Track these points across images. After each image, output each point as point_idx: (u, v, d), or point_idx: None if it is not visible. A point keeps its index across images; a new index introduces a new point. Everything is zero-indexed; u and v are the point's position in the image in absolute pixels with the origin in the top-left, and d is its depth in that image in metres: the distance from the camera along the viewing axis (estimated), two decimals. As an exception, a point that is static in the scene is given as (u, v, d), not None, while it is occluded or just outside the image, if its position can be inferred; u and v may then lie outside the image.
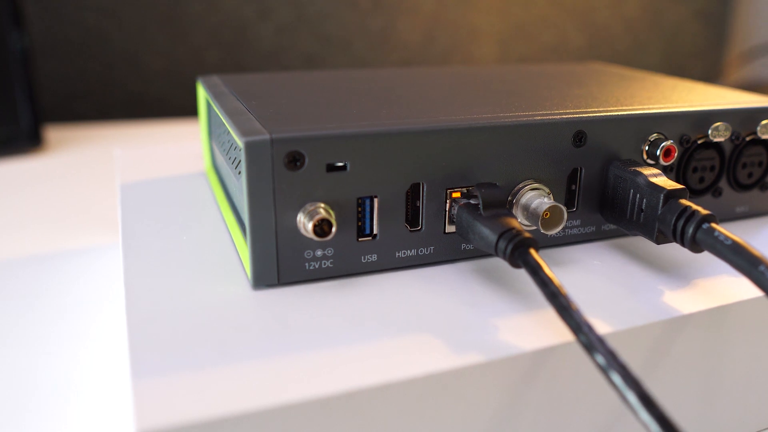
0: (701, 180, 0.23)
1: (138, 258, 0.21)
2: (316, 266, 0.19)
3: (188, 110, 0.65)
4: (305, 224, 0.18)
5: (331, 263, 0.19)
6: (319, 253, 0.19)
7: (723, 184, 0.24)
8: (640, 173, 0.20)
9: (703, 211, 0.18)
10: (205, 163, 0.29)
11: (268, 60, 0.66)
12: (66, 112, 0.62)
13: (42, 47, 0.60)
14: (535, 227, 0.20)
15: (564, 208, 0.19)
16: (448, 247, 0.20)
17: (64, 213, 0.38)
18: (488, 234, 0.18)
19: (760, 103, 0.24)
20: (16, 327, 0.25)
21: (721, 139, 0.23)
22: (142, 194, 0.27)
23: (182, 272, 0.20)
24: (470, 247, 0.21)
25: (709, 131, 0.22)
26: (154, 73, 0.64)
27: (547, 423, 0.17)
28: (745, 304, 0.19)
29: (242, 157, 0.18)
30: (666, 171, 0.22)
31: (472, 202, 0.19)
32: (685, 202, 0.19)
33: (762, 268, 0.16)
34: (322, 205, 0.18)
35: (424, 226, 0.20)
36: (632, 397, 0.14)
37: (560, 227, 0.19)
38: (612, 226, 0.22)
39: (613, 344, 0.15)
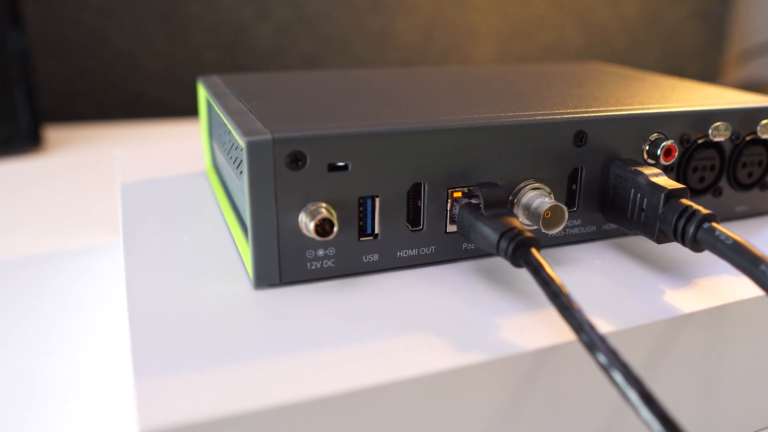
0: (701, 179, 0.23)
1: (139, 258, 0.21)
2: (318, 266, 0.19)
3: (187, 110, 0.64)
4: (307, 224, 0.18)
5: (332, 263, 0.19)
6: (320, 252, 0.19)
7: (723, 183, 0.24)
8: (641, 173, 0.20)
9: (704, 211, 0.18)
10: (206, 162, 0.29)
11: (267, 60, 0.66)
12: (65, 112, 0.62)
13: (41, 47, 0.60)
14: (536, 227, 0.20)
15: (565, 208, 0.19)
16: (450, 247, 0.20)
17: (64, 213, 0.38)
18: (489, 233, 0.18)
19: (760, 102, 0.24)
20: (16, 327, 0.25)
21: (722, 139, 0.23)
22: (142, 194, 0.27)
23: (183, 272, 0.20)
24: (471, 246, 0.21)
25: (710, 131, 0.22)
26: (153, 73, 0.64)
27: (548, 422, 0.17)
28: (745, 303, 0.19)
29: (244, 156, 0.18)
30: (666, 171, 0.22)
31: (473, 201, 0.19)
32: (685, 201, 0.19)
33: (763, 267, 0.16)
34: (324, 204, 0.18)
35: (425, 226, 0.20)
36: (633, 396, 0.14)
37: (561, 227, 0.19)
38: (613, 226, 0.22)
39: (614, 343, 0.15)
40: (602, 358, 0.14)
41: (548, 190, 0.21)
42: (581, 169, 0.21)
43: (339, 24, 0.67)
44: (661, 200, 0.19)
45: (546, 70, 0.31)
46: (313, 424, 0.15)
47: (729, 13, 0.81)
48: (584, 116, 0.21)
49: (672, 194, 0.19)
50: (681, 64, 0.82)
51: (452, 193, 0.20)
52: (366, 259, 0.20)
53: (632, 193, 0.20)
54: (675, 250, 0.22)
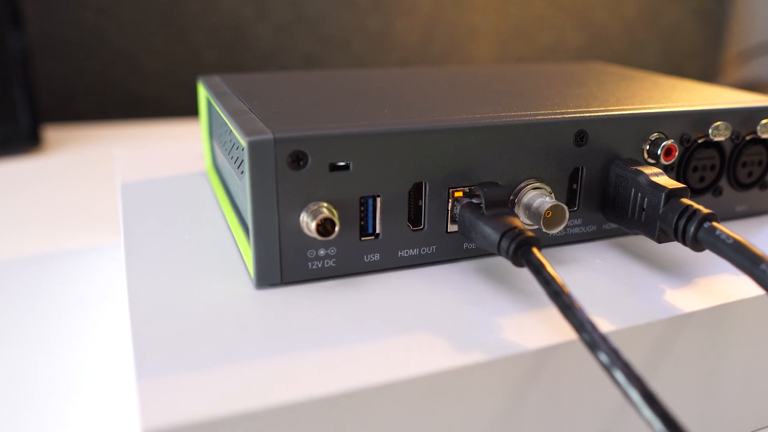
0: (701, 179, 0.23)
1: (140, 258, 0.21)
2: (319, 265, 0.19)
3: (187, 110, 0.64)
4: (308, 224, 0.18)
5: (333, 263, 0.19)
6: (321, 252, 0.19)
7: (723, 183, 0.24)
8: (642, 172, 0.20)
9: (705, 210, 0.18)
10: (206, 162, 0.29)
11: (267, 60, 0.66)
12: (65, 112, 0.62)
13: (41, 47, 0.60)
14: (536, 226, 0.20)
15: (566, 208, 0.19)
16: (451, 247, 0.20)
17: (64, 213, 0.38)
18: (491, 233, 0.18)
19: (760, 102, 0.24)
20: (17, 327, 0.25)
21: (722, 139, 0.23)
22: (142, 194, 0.27)
23: (185, 272, 0.20)
24: (472, 246, 0.21)
25: (710, 130, 0.22)
26: (152, 73, 0.64)
27: (550, 421, 0.17)
28: (746, 302, 0.19)
29: (245, 156, 0.18)
30: (667, 170, 0.22)
31: (474, 201, 0.19)
32: (686, 201, 0.19)
33: (763, 266, 0.16)
34: (325, 204, 0.18)
35: (426, 226, 0.20)
36: (635, 395, 0.14)
37: (562, 226, 0.19)
38: (613, 225, 0.22)
39: (615, 342, 0.15)
40: (604, 357, 0.14)
41: (549, 189, 0.21)
42: (582, 168, 0.21)
43: (339, 24, 0.67)
44: (662, 200, 0.19)
45: (546, 70, 0.31)
46: (315, 423, 0.15)
47: (728, 13, 0.81)
48: (585, 116, 0.21)
49: (673, 194, 0.19)
50: (680, 63, 0.82)
51: (453, 192, 0.20)
52: (367, 258, 0.20)
53: (633, 193, 0.20)
54: (675, 249, 0.22)
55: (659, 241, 0.20)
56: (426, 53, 0.71)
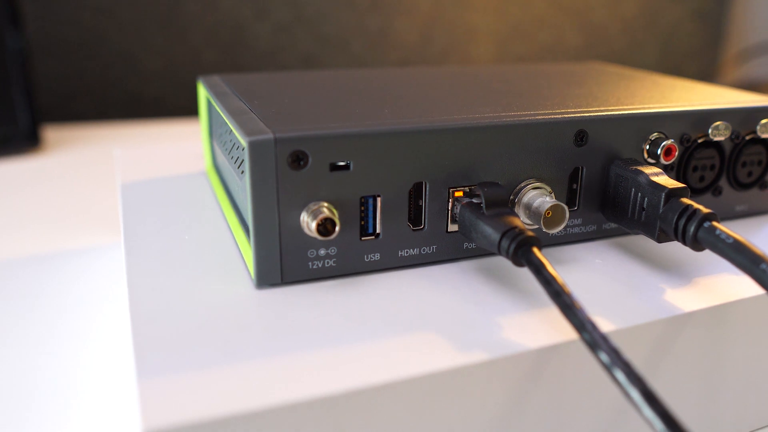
0: (701, 179, 0.23)
1: (140, 258, 0.21)
2: (320, 265, 0.19)
3: (186, 110, 0.64)
4: (309, 223, 0.18)
5: (334, 262, 0.19)
6: (322, 252, 0.19)
7: (723, 182, 0.24)
8: (642, 172, 0.20)
9: (705, 210, 0.18)
10: (206, 162, 0.29)
11: (266, 60, 0.66)
12: (64, 112, 0.62)
13: (40, 47, 0.60)
14: (537, 226, 0.20)
15: (566, 207, 0.19)
16: (451, 246, 0.20)
17: (64, 213, 0.38)
18: (491, 233, 0.18)
19: (760, 102, 0.24)
20: (17, 327, 0.25)
21: (721, 138, 0.23)
22: (143, 194, 0.27)
23: (185, 272, 0.20)
24: (472, 246, 0.21)
25: (710, 130, 0.22)
26: (151, 73, 0.64)
27: (550, 421, 0.17)
28: (746, 302, 0.19)
29: (246, 156, 0.18)
30: (666, 170, 0.22)
31: (474, 201, 0.19)
32: (686, 200, 0.19)
33: (763, 266, 0.16)
34: (326, 204, 0.18)
35: (426, 225, 0.20)
36: (636, 394, 0.14)
37: (562, 226, 0.19)
38: (613, 225, 0.22)
39: (615, 342, 0.15)
40: (604, 357, 0.14)
41: (549, 189, 0.21)
42: (582, 168, 0.21)
43: (338, 24, 0.67)
44: (662, 199, 0.19)
45: (546, 69, 0.31)
46: (316, 423, 0.15)
47: (727, 13, 0.81)
48: (585, 116, 0.21)
49: (673, 193, 0.19)
50: (679, 63, 0.82)
51: (453, 192, 0.20)
52: (367, 258, 0.20)
53: (633, 193, 0.20)
54: (675, 249, 0.22)
55: (659, 241, 0.20)
56: (425, 53, 0.71)
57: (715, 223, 0.18)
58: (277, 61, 0.66)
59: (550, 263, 0.17)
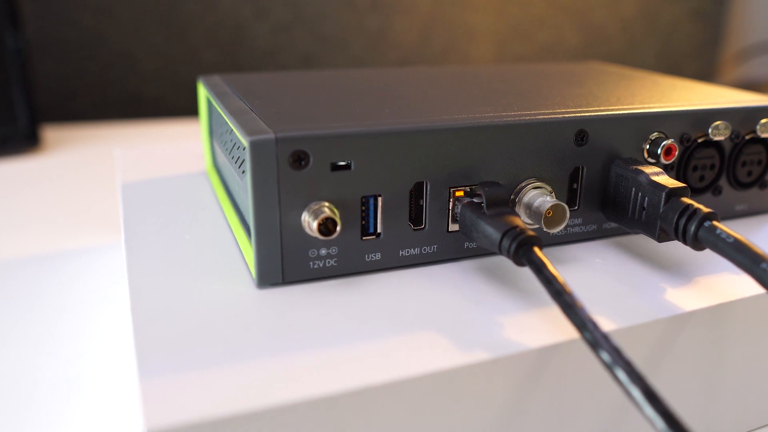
0: (701, 178, 0.23)
1: (141, 257, 0.21)
2: (321, 265, 0.19)
3: (185, 110, 0.64)
4: (310, 223, 0.18)
5: (335, 262, 0.19)
6: (323, 252, 0.19)
7: (723, 182, 0.24)
8: (642, 172, 0.20)
9: (705, 209, 0.18)
10: (206, 162, 0.29)
11: (265, 60, 0.66)
12: (63, 112, 0.62)
13: (39, 47, 0.59)
14: (537, 226, 0.20)
15: (566, 207, 0.19)
16: (452, 246, 0.20)
17: (64, 213, 0.38)
18: (492, 232, 0.18)
19: (760, 102, 0.24)
20: (17, 327, 0.25)
21: (721, 138, 0.23)
22: (143, 194, 0.27)
23: (186, 271, 0.20)
24: (473, 245, 0.21)
25: (710, 130, 0.23)
26: (151, 73, 0.63)
27: (552, 420, 0.17)
28: (746, 301, 0.19)
29: (247, 156, 0.18)
30: (667, 169, 0.23)
31: (475, 200, 0.19)
32: (686, 200, 0.19)
33: (764, 265, 0.16)
34: (327, 204, 0.18)
35: (427, 225, 0.20)
36: (637, 393, 0.14)
37: (562, 225, 0.19)
38: (613, 225, 0.22)
39: (616, 341, 0.15)
40: (605, 356, 0.14)
41: (549, 189, 0.21)
42: (582, 168, 0.21)
43: (337, 24, 0.67)
44: (662, 199, 0.19)
45: (546, 69, 0.31)
46: (317, 423, 0.15)
47: (726, 12, 0.82)
48: (585, 115, 0.21)
49: (673, 193, 0.19)
50: (678, 63, 0.82)
51: (454, 192, 0.20)
52: (368, 258, 0.20)
53: (633, 192, 0.20)
54: (676, 248, 0.22)
55: (660, 240, 0.20)
56: (424, 53, 0.71)
57: (715, 223, 0.18)
58: (276, 61, 0.66)
59: (551, 263, 0.17)
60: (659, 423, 0.13)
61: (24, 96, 0.49)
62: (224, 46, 0.64)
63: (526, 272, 0.20)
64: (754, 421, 0.21)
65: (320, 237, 0.18)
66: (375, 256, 0.20)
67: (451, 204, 0.20)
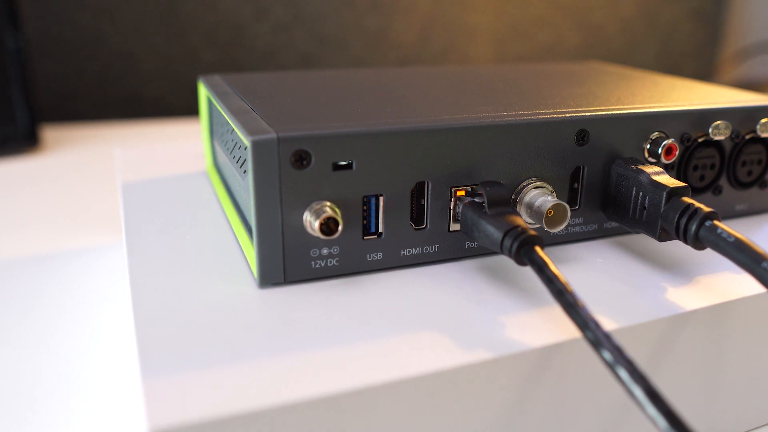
0: (702, 178, 0.23)
1: (143, 257, 0.21)
2: (322, 264, 0.19)
3: (185, 110, 0.64)
4: (312, 223, 0.18)
5: (336, 261, 0.19)
6: (325, 251, 0.19)
7: (723, 182, 0.24)
8: (643, 171, 0.20)
9: (706, 209, 0.18)
10: (207, 162, 0.29)
11: (265, 60, 0.66)
12: (63, 112, 0.62)
13: (38, 47, 0.59)
14: (538, 225, 0.20)
15: (567, 206, 0.19)
16: (453, 246, 0.20)
17: (63, 213, 0.38)
18: (493, 232, 0.18)
19: (760, 101, 0.24)
20: (17, 327, 0.25)
21: (722, 138, 0.23)
22: (143, 194, 0.27)
23: (187, 271, 0.20)
24: (474, 245, 0.21)
25: (710, 130, 0.23)
26: (150, 73, 0.63)
27: (554, 419, 0.17)
28: (747, 300, 0.19)
29: (248, 156, 0.18)
30: (667, 169, 0.23)
31: (476, 200, 0.19)
32: (687, 199, 0.19)
33: (765, 264, 0.16)
34: (328, 203, 0.18)
35: (428, 225, 0.20)
36: (639, 392, 0.14)
37: (564, 225, 0.19)
38: (614, 224, 0.22)
39: (617, 340, 0.15)
40: (607, 355, 0.14)
41: (550, 188, 0.21)
42: (583, 167, 0.21)
43: (337, 24, 0.67)
44: (663, 198, 0.19)
45: (546, 69, 0.31)
46: (319, 422, 0.15)
47: (725, 12, 0.82)
48: (586, 115, 0.21)
49: (674, 192, 0.19)
50: (677, 63, 0.82)
51: (455, 191, 0.20)
52: (370, 257, 0.20)
53: (634, 192, 0.20)
54: (677, 248, 0.22)
55: (660, 240, 0.20)
56: (423, 53, 0.71)
57: (716, 222, 0.18)
58: (276, 61, 0.66)
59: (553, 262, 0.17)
60: (661, 422, 0.13)
61: (24, 96, 0.49)
62: (224, 46, 0.64)
63: (528, 272, 0.20)
64: (754, 420, 0.21)
65: (322, 237, 0.18)
66: (376, 255, 0.20)
67: (452, 203, 0.20)
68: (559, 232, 0.22)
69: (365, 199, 0.19)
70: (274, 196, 0.18)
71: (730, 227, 0.18)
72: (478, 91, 0.24)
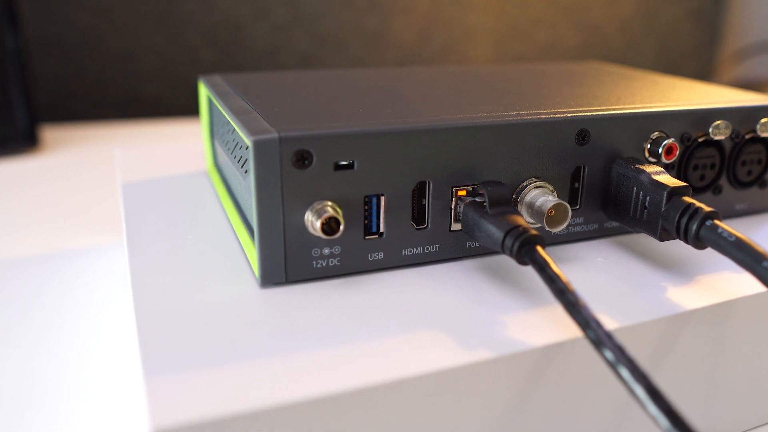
0: (702, 178, 0.24)
1: (144, 257, 0.21)
2: (324, 264, 0.19)
3: (184, 110, 0.64)
4: (313, 222, 0.18)
5: (338, 261, 0.19)
6: (326, 251, 0.19)
7: (723, 181, 0.24)
8: (643, 171, 0.20)
9: (707, 208, 0.18)
10: (207, 162, 0.29)
11: (264, 60, 0.66)
12: (62, 112, 0.62)
13: (38, 47, 0.59)
14: (539, 225, 0.20)
15: (568, 206, 0.19)
16: (454, 245, 0.21)
17: (63, 213, 0.38)
18: (495, 231, 0.18)
19: (760, 101, 0.24)
20: (17, 327, 0.25)
21: (722, 137, 0.23)
22: (144, 194, 0.27)
23: (188, 271, 0.20)
24: (476, 244, 0.21)
25: (710, 129, 0.23)
26: (149, 73, 0.63)
27: (555, 417, 0.17)
28: (748, 299, 0.19)
29: (250, 156, 0.18)
30: (667, 169, 0.23)
31: (477, 200, 0.19)
32: (688, 199, 0.19)
33: (765, 263, 0.16)
34: (330, 203, 0.18)
35: (430, 224, 0.20)
36: (640, 391, 0.14)
37: (564, 225, 0.19)
38: (615, 224, 0.23)
39: (619, 340, 0.15)
40: (609, 354, 0.14)
41: (551, 188, 0.21)
42: (584, 167, 0.21)
43: (336, 24, 0.67)
44: (664, 198, 0.19)
45: (546, 69, 0.31)
46: (321, 422, 0.15)
47: (724, 12, 0.82)
48: (586, 115, 0.21)
49: (675, 192, 0.19)
50: (676, 63, 0.82)
51: (457, 191, 0.20)
52: (371, 257, 0.20)
53: (635, 191, 0.20)
54: (677, 247, 0.22)
55: (661, 239, 0.20)
56: (422, 53, 0.71)
57: (717, 222, 0.18)
58: (275, 61, 0.66)
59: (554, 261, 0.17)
60: (663, 421, 0.13)
61: (23, 96, 0.48)
62: (223, 45, 0.64)
63: (529, 271, 0.20)
64: (754, 419, 0.21)
65: (323, 236, 0.18)
66: (378, 255, 0.20)
67: (453, 203, 0.20)
68: (559, 231, 0.22)
69: (366, 199, 0.19)
70: (276, 196, 0.18)
71: (730, 227, 0.18)
72: (479, 91, 0.24)
